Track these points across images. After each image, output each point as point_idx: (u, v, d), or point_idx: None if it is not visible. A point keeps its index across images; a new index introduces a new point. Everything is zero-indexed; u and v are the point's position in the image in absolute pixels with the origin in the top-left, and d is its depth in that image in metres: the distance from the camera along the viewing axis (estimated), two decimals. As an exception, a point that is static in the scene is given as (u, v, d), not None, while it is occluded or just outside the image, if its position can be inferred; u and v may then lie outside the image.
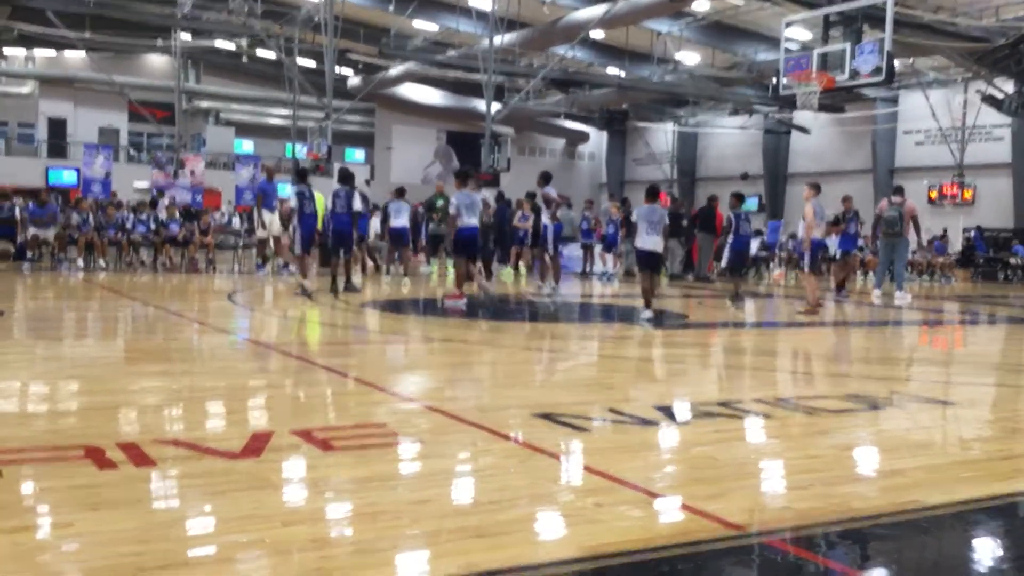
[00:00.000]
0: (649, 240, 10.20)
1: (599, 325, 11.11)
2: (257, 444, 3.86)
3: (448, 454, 3.92)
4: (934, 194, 31.38)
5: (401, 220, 16.94)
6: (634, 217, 10.55)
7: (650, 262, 10.42)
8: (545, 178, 13.58)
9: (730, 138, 38.46)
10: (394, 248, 17.60)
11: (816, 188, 12.29)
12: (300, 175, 13.25)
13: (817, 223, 12.29)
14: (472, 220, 11.18)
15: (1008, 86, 24.59)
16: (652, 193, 10.59)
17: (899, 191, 15.40)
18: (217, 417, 4.69)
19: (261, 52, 35.04)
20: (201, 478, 3.40)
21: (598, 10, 25.98)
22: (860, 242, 18.42)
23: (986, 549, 3.02)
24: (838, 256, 15.74)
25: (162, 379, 5.66)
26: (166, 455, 3.65)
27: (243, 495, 3.18)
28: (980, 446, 4.56)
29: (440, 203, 19.57)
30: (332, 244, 12.63)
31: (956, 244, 27.68)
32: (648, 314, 10.10)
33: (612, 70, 34.49)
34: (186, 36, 32.32)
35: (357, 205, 12.75)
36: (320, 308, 10.86)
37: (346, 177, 12.87)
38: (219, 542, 2.74)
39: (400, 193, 17.48)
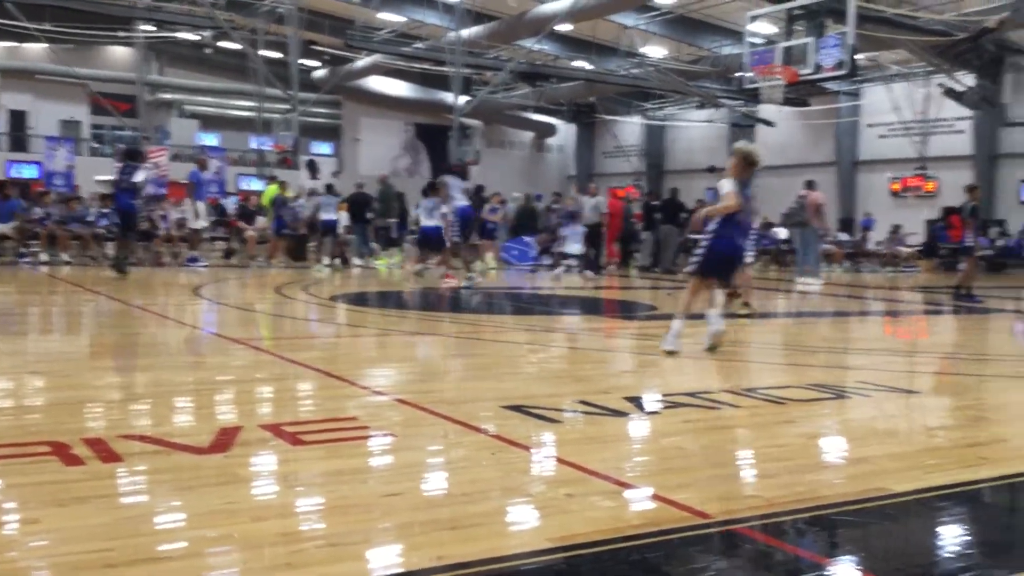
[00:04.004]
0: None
1: (569, 317, 11.13)
2: (225, 439, 3.83)
3: (419, 447, 3.92)
4: (897, 186, 31.78)
5: (433, 220, 14.60)
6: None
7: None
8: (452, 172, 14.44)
9: (697, 131, 38.65)
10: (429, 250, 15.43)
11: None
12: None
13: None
14: None
15: (969, 79, 24.95)
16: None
17: (809, 184, 16.57)
18: (184, 412, 4.65)
19: (225, 43, 34.69)
20: (169, 473, 3.37)
21: (565, 3, 26.01)
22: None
23: (951, 536, 3.07)
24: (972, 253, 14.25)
25: (127, 374, 5.59)
26: (133, 451, 3.61)
27: (212, 490, 3.15)
28: (945, 434, 4.64)
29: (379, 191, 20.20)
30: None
31: (920, 235, 28.01)
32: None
33: (579, 63, 34.53)
34: (148, 27, 31.90)
35: None
36: (288, 302, 10.78)
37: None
38: (188, 537, 2.71)
39: (432, 190, 14.93)
